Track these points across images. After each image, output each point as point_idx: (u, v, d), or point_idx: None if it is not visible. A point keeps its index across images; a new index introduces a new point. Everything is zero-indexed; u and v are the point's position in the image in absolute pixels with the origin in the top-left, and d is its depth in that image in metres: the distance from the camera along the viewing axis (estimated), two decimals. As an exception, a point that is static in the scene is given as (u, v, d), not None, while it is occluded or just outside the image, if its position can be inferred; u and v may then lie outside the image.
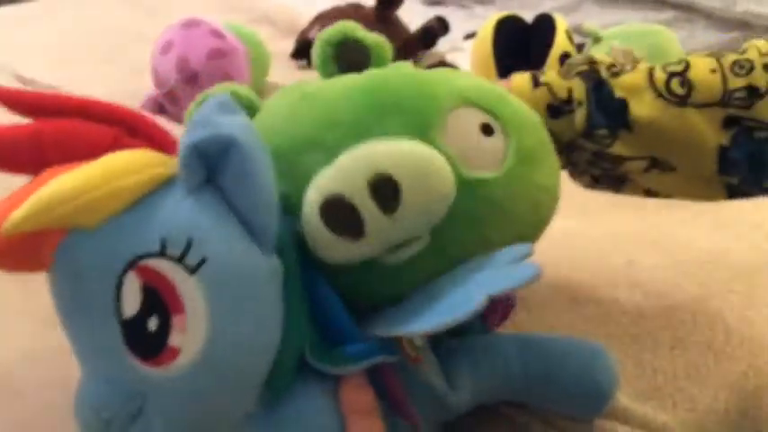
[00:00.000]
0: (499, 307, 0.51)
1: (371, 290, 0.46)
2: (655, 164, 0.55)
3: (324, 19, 1.27)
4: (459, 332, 0.49)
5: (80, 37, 1.42)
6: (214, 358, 0.37)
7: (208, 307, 0.37)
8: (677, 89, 0.54)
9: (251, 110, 0.50)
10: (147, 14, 1.58)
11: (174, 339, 0.37)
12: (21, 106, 0.41)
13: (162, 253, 0.37)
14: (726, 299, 0.61)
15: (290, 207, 0.43)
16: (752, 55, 0.54)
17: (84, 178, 0.37)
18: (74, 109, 0.41)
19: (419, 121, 0.46)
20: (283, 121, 0.48)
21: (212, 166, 0.38)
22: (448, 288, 0.42)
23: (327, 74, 0.52)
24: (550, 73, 0.58)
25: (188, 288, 0.37)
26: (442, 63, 1.16)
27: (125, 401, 0.37)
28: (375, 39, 0.52)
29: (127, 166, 0.38)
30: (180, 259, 0.37)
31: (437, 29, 1.24)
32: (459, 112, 0.47)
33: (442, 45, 1.26)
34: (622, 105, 0.55)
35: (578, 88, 0.55)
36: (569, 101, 0.56)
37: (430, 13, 1.36)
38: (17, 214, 0.35)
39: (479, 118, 0.48)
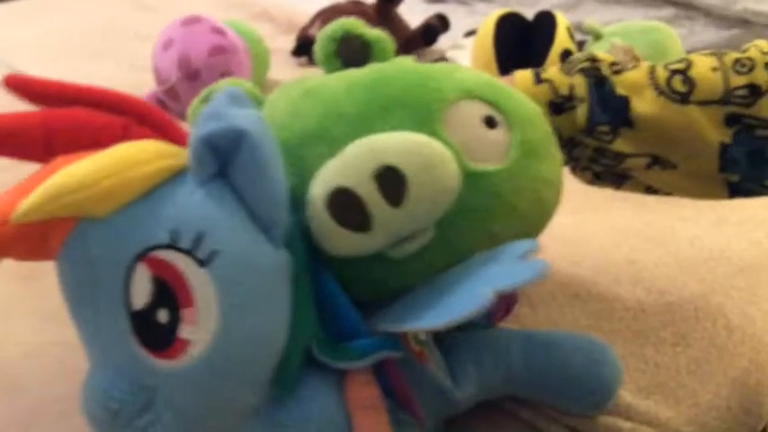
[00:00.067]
0: (502, 302, 0.51)
1: (376, 283, 0.46)
2: (656, 161, 0.56)
3: (324, 16, 1.26)
4: (462, 327, 0.49)
5: (80, 34, 1.42)
6: (224, 351, 0.37)
7: (218, 300, 0.37)
8: (679, 87, 0.54)
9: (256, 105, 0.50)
10: (146, 12, 1.58)
11: (184, 332, 0.37)
12: (31, 94, 0.40)
13: (172, 245, 0.37)
14: (728, 295, 0.61)
15: (297, 200, 0.43)
16: (753, 54, 0.54)
17: (96, 167, 0.36)
18: (84, 97, 0.41)
19: (422, 113, 0.46)
20: (287, 116, 0.48)
21: (223, 158, 0.38)
22: (455, 284, 0.42)
23: (330, 69, 0.53)
24: (552, 69, 0.58)
25: (198, 281, 0.37)
26: (443, 60, 1.16)
27: (134, 393, 0.37)
28: (377, 34, 0.52)
29: (138, 156, 0.38)
30: (190, 251, 0.37)
31: (438, 26, 1.24)
32: (462, 105, 0.47)
33: (443, 42, 1.26)
34: (624, 102, 0.55)
35: (580, 85, 0.56)
36: (571, 97, 0.56)
37: (430, 10, 1.36)
38: (27, 203, 0.35)
39: (482, 110, 0.48)
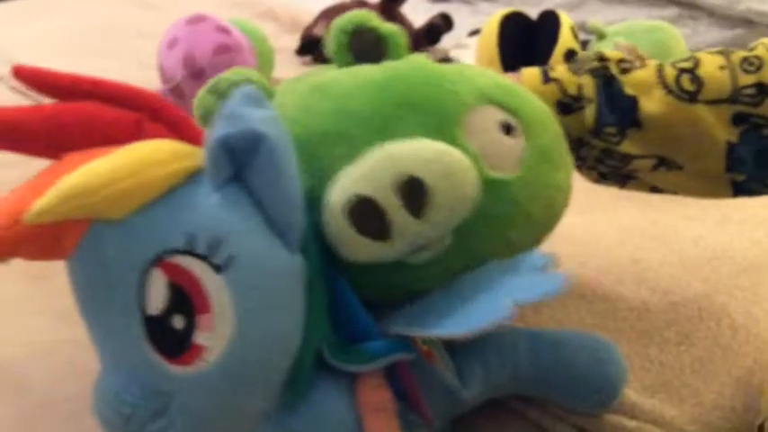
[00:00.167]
0: None
1: (391, 286, 0.46)
2: (662, 162, 0.56)
3: (329, 15, 1.26)
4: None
5: (83, 32, 1.42)
6: (239, 356, 0.37)
7: (234, 305, 0.36)
8: (687, 85, 0.54)
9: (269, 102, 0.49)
10: (149, 10, 1.58)
11: (200, 338, 0.36)
12: (42, 85, 0.40)
13: (189, 250, 0.36)
14: (731, 295, 0.62)
15: (311, 201, 0.43)
16: (760, 52, 0.54)
17: (112, 168, 0.36)
18: (96, 91, 0.40)
19: (441, 118, 0.46)
20: (297, 111, 0.47)
21: (240, 161, 0.38)
22: (474, 292, 0.42)
23: (342, 62, 0.51)
24: (560, 69, 0.58)
25: (215, 287, 0.36)
26: (446, 60, 1.16)
27: (146, 398, 0.37)
28: (390, 28, 0.51)
29: (154, 157, 0.37)
30: (207, 257, 0.36)
31: (441, 25, 1.24)
32: (481, 110, 0.47)
33: (447, 41, 1.26)
34: (632, 102, 0.55)
35: (588, 85, 0.55)
36: (579, 98, 0.56)
37: (434, 9, 1.36)
38: (40, 203, 0.34)
39: (500, 116, 0.48)
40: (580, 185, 0.58)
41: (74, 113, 0.39)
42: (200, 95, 0.49)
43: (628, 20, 1.16)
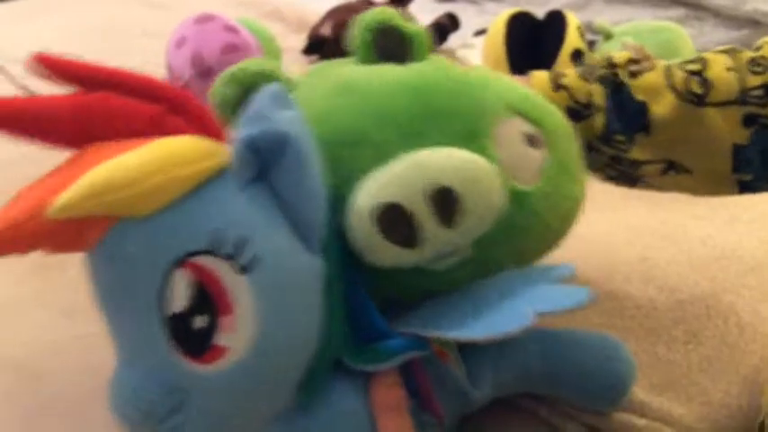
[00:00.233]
0: None
1: (407, 287, 0.47)
2: (671, 166, 0.56)
3: (335, 15, 1.27)
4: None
5: (89, 32, 1.42)
6: (260, 357, 0.37)
7: (257, 307, 0.36)
8: (696, 89, 0.54)
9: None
10: (156, 9, 1.59)
11: (221, 339, 0.36)
12: (64, 74, 0.39)
13: (213, 251, 0.36)
14: (739, 294, 0.62)
15: (333, 201, 0.42)
16: (767, 52, 0.54)
17: (138, 166, 0.35)
18: (118, 82, 0.39)
19: (471, 128, 0.46)
20: (324, 110, 0.47)
21: (266, 161, 0.38)
22: (494, 299, 0.42)
23: (365, 59, 0.51)
24: (571, 75, 0.58)
25: (239, 288, 0.36)
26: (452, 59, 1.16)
27: (165, 395, 0.37)
28: (416, 29, 0.51)
29: (181, 155, 0.37)
30: (232, 258, 0.36)
31: (448, 25, 1.24)
32: (508, 122, 0.48)
33: (453, 41, 1.26)
34: (642, 107, 0.55)
35: (598, 94, 0.56)
36: (589, 105, 0.56)
37: (440, 9, 1.36)
38: (64, 198, 0.34)
39: (525, 128, 0.48)
40: (590, 185, 0.58)
41: (98, 104, 0.39)
42: (220, 84, 0.49)
43: (633, 20, 1.16)
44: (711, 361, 0.56)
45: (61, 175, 0.36)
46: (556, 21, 1.03)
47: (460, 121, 0.46)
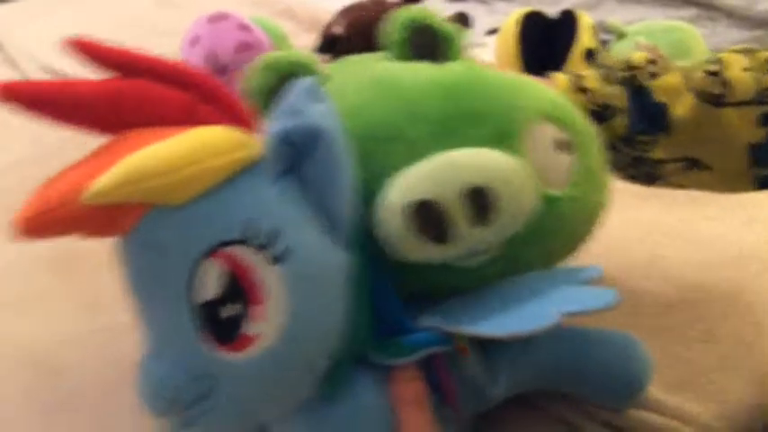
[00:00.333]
0: None
1: (430, 284, 0.47)
2: (692, 164, 0.56)
3: (348, 14, 1.27)
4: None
5: (104, 29, 1.42)
6: (287, 348, 0.37)
7: (287, 298, 0.37)
8: (714, 89, 0.54)
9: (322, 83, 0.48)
10: (168, 9, 1.59)
11: (251, 328, 0.37)
12: (102, 60, 0.39)
13: (246, 240, 0.36)
14: (756, 293, 0.62)
15: (363, 195, 0.42)
16: None
17: (177, 154, 0.36)
18: (154, 69, 0.40)
19: (504, 131, 0.46)
20: (357, 104, 0.48)
21: (297, 155, 0.38)
22: (521, 297, 0.43)
23: (398, 55, 0.51)
24: (591, 78, 0.58)
25: (269, 278, 0.37)
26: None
27: (193, 381, 0.37)
28: (451, 30, 0.51)
29: (215, 145, 0.37)
30: (264, 248, 0.37)
31: (459, 24, 1.24)
32: (540, 127, 0.48)
33: (464, 40, 1.26)
34: (662, 109, 0.55)
35: (619, 96, 0.56)
36: (610, 107, 0.57)
37: (451, 8, 1.36)
38: (100, 184, 0.34)
39: (556, 134, 0.49)
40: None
41: (133, 90, 0.39)
42: (255, 71, 0.49)
43: (645, 20, 1.16)
44: (728, 360, 0.56)
45: (96, 161, 0.37)
46: (568, 20, 1.03)
47: (492, 123, 0.46)
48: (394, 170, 0.44)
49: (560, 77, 0.58)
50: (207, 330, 0.37)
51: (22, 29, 1.51)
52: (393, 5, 1.28)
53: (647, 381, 0.50)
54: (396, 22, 0.51)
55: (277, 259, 0.37)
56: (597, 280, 0.43)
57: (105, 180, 0.34)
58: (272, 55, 0.50)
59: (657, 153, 0.56)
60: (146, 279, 0.38)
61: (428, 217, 0.42)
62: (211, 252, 0.36)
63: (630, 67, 0.57)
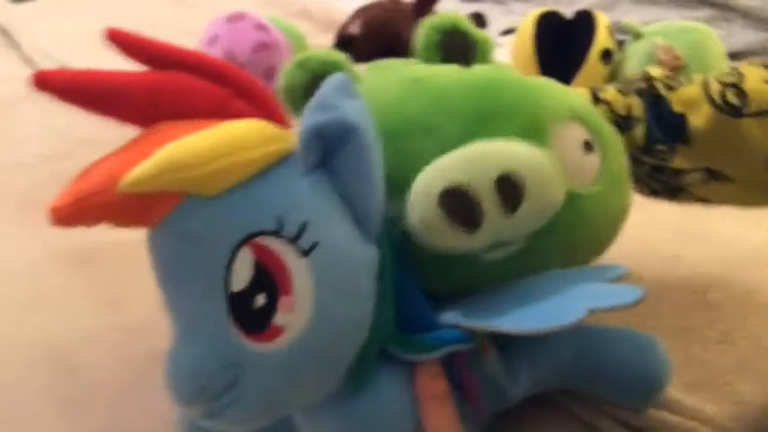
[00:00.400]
0: None
1: (453, 280, 0.47)
2: (713, 175, 0.57)
3: (364, 14, 1.27)
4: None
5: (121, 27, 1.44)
6: (314, 340, 0.38)
7: (314, 290, 0.37)
8: (733, 100, 0.55)
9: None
10: (183, 9, 1.60)
11: (280, 318, 0.37)
12: (138, 52, 0.40)
13: (277, 232, 0.37)
14: (774, 294, 0.62)
15: (391, 188, 0.43)
16: None
17: (213, 145, 0.36)
18: (189, 62, 0.40)
19: (534, 127, 0.47)
20: (394, 100, 0.49)
21: (328, 149, 0.39)
22: (545, 294, 0.42)
23: (428, 60, 0.52)
24: (610, 90, 0.59)
25: (299, 270, 0.37)
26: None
27: (222, 369, 0.38)
28: (482, 35, 0.53)
29: (252, 137, 0.38)
30: (294, 240, 0.37)
31: (475, 24, 1.24)
32: (567, 126, 0.49)
33: (479, 41, 1.26)
34: (681, 120, 0.56)
35: (637, 106, 0.57)
36: (628, 117, 0.57)
37: (467, 8, 1.37)
38: (137, 172, 0.35)
39: (583, 134, 0.49)
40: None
41: (169, 83, 0.40)
42: (289, 69, 0.51)
43: (661, 21, 1.16)
44: (746, 361, 0.56)
45: (131, 152, 0.37)
46: (585, 20, 1.03)
47: (522, 120, 0.47)
48: (426, 165, 0.44)
49: (580, 90, 0.59)
50: (236, 320, 0.37)
51: (39, 28, 1.52)
52: (409, 5, 1.28)
53: (667, 381, 0.50)
54: (427, 26, 0.52)
55: (306, 252, 0.37)
56: (623, 278, 0.43)
57: (142, 169, 0.35)
58: (304, 53, 0.51)
59: (677, 162, 0.56)
60: (177, 269, 0.38)
61: (459, 203, 0.43)
62: (243, 242, 0.37)
63: (647, 78, 0.58)
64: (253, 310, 0.37)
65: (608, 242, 0.52)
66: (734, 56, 1.13)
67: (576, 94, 0.53)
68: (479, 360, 0.45)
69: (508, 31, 1.24)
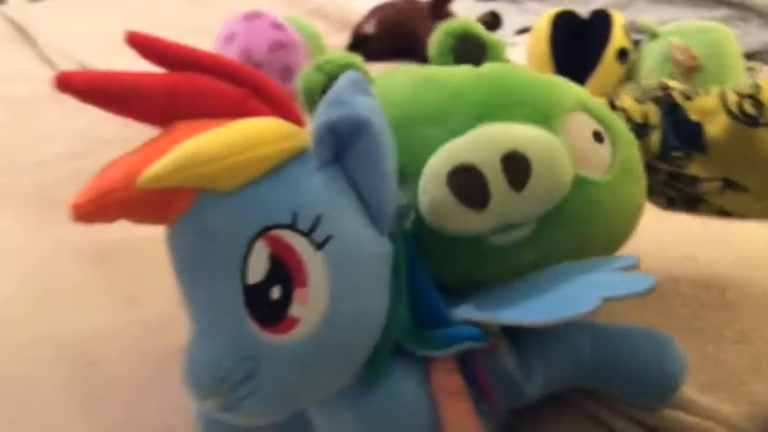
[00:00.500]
0: None
1: (464, 270, 0.47)
2: (729, 185, 0.57)
3: (379, 13, 1.28)
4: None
5: (137, 27, 1.44)
6: (328, 332, 0.38)
7: (329, 283, 0.38)
8: (750, 110, 0.55)
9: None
10: (199, 7, 1.61)
11: (295, 310, 0.37)
12: (157, 55, 0.41)
13: (292, 225, 0.38)
14: (790, 294, 0.62)
15: (403, 177, 0.44)
16: None
17: (229, 142, 0.37)
18: (207, 64, 0.41)
19: (542, 115, 0.48)
20: (407, 97, 0.50)
21: (341, 144, 0.39)
22: (556, 285, 0.43)
23: (442, 64, 0.55)
24: (626, 98, 0.60)
25: (313, 262, 0.37)
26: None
27: (239, 362, 0.38)
28: (495, 38, 0.55)
29: (265, 135, 0.39)
30: (308, 233, 0.38)
31: (490, 23, 1.25)
32: (577, 116, 0.50)
33: (495, 40, 1.27)
34: (697, 128, 0.56)
35: (653, 113, 0.58)
36: (645, 125, 0.58)
37: (482, 7, 1.37)
38: (155, 168, 0.36)
39: (592, 125, 0.50)
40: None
41: (188, 84, 0.40)
42: (307, 72, 0.54)
43: (677, 20, 1.15)
44: (761, 361, 0.56)
45: (149, 150, 0.38)
46: (600, 19, 1.03)
47: (530, 110, 0.48)
48: (431, 150, 0.46)
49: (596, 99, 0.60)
50: (252, 313, 0.38)
51: (57, 26, 1.54)
52: (424, 4, 1.28)
53: (683, 380, 0.50)
54: (440, 31, 0.55)
55: (320, 245, 0.38)
56: (634, 268, 0.43)
57: (160, 165, 0.36)
58: (322, 57, 0.54)
59: (692, 170, 0.57)
60: (194, 264, 0.39)
61: (466, 181, 0.44)
62: (259, 235, 0.37)
63: (665, 87, 0.59)
64: (268, 303, 0.38)
65: (622, 236, 0.52)
66: (750, 55, 1.13)
67: (583, 90, 0.54)
68: (493, 356, 0.46)
69: (523, 31, 1.24)
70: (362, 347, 0.41)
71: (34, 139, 1.08)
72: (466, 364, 0.44)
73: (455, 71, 0.52)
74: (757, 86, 0.57)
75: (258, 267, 0.37)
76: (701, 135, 0.56)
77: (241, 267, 0.38)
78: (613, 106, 0.59)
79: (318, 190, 0.39)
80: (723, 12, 1.31)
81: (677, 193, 0.59)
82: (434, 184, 0.45)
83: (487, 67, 0.52)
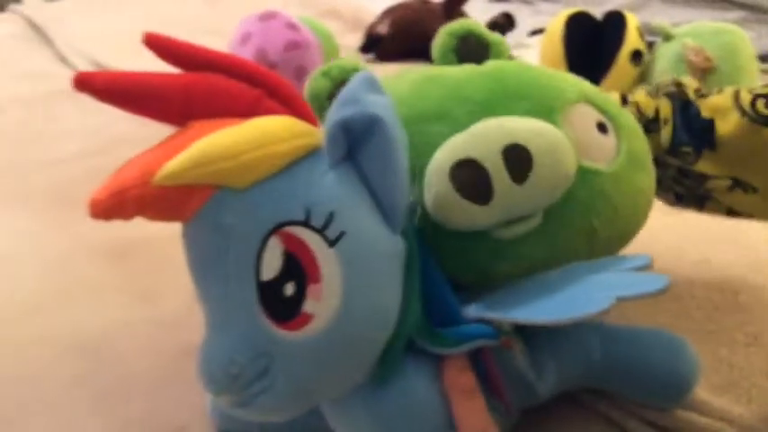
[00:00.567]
0: None
1: (475, 266, 0.48)
2: (737, 184, 0.57)
3: (392, 14, 1.28)
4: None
5: (152, 27, 1.45)
6: (341, 329, 0.38)
7: (342, 279, 0.38)
8: (762, 109, 0.55)
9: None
10: (216, 6, 1.61)
11: (309, 306, 0.38)
12: (173, 56, 0.41)
13: (305, 222, 0.38)
14: (803, 296, 0.62)
15: (412, 177, 0.44)
16: None
17: (243, 139, 0.38)
18: (222, 64, 0.42)
19: (544, 108, 0.48)
20: (409, 95, 0.51)
21: (354, 142, 0.40)
22: (568, 284, 0.43)
23: (445, 64, 0.55)
24: (639, 93, 0.60)
25: (327, 259, 0.38)
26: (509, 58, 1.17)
27: (253, 358, 0.38)
28: (497, 37, 0.56)
29: (280, 132, 0.39)
30: (321, 230, 0.38)
31: (503, 24, 1.25)
32: (580, 107, 0.50)
33: (508, 41, 1.27)
34: (709, 125, 0.56)
35: (665, 107, 0.58)
36: (656, 119, 0.58)
37: (495, 9, 1.37)
38: (171, 166, 0.36)
39: (596, 116, 0.51)
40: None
41: (204, 84, 0.41)
42: (314, 77, 0.54)
43: (691, 22, 1.15)
44: (774, 364, 0.56)
45: (165, 148, 0.38)
46: (615, 21, 1.03)
47: (532, 102, 0.49)
48: (435, 147, 0.46)
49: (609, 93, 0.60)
50: (266, 309, 0.38)
51: (72, 26, 1.55)
52: (437, 5, 1.29)
53: (695, 382, 0.50)
54: (443, 32, 0.56)
55: (333, 242, 0.38)
56: (647, 269, 0.43)
57: (176, 163, 0.36)
58: (328, 64, 0.55)
59: (702, 166, 0.57)
60: (209, 261, 0.39)
61: (469, 175, 0.44)
62: (273, 232, 0.38)
63: (678, 84, 0.59)
64: (282, 299, 0.38)
65: (631, 226, 0.52)
66: (765, 58, 1.13)
67: (587, 83, 0.54)
68: (505, 354, 0.46)
69: (536, 32, 1.24)
70: (375, 344, 0.41)
71: (51, 137, 1.09)
72: (478, 362, 0.45)
73: (455, 70, 0.52)
74: None
75: (272, 264, 0.38)
76: (712, 132, 0.56)
77: (255, 264, 0.38)
78: (626, 101, 0.60)
79: (331, 187, 0.39)
80: (738, 14, 1.31)
81: (685, 189, 0.59)
82: (438, 179, 0.45)
83: (489, 64, 0.53)
